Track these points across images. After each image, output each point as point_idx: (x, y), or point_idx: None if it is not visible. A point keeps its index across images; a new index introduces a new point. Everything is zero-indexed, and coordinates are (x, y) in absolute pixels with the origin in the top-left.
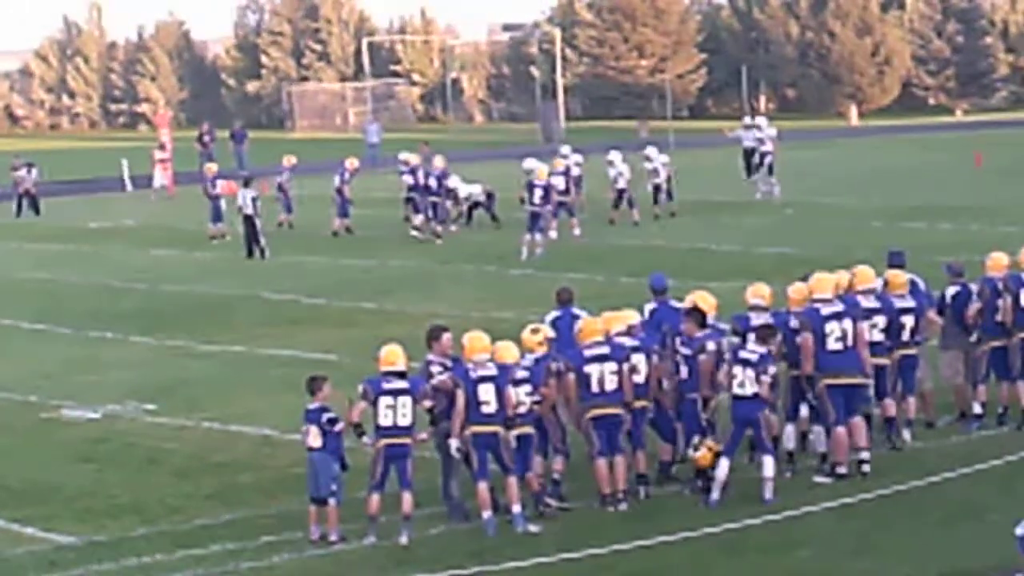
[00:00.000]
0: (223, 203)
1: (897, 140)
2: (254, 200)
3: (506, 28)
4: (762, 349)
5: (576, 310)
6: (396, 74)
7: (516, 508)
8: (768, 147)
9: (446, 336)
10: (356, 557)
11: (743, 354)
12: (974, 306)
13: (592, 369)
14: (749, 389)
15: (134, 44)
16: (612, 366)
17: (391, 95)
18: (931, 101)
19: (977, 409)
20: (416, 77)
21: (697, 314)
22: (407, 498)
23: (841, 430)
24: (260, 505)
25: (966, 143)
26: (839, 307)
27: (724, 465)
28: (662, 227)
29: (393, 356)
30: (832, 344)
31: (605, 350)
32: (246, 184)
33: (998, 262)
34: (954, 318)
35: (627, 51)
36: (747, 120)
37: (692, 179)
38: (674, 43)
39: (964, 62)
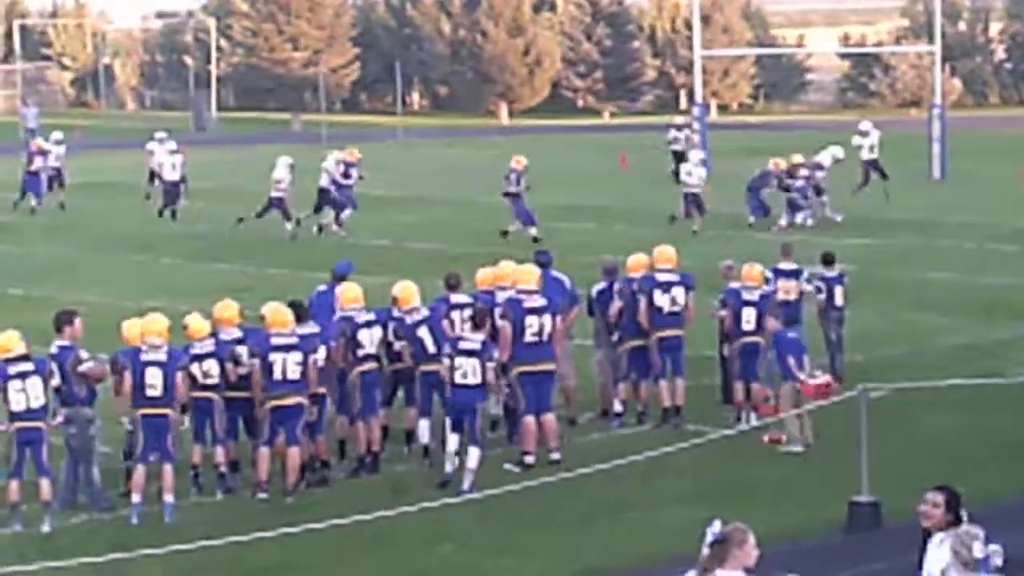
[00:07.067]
0: None
1: (546, 140)
2: None
3: (160, 15)
4: (481, 337)
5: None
6: (47, 58)
7: (168, 498)
8: None
9: (78, 320)
10: None
11: (463, 344)
12: (615, 306)
13: (276, 357)
14: (471, 379)
15: None
16: (297, 356)
17: (42, 79)
18: (580, 103)
19: (617, 407)
20: (67, 61)
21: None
22: (44, 484)
23: (529, 419)
24: None
25: (613, 145)
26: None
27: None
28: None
29: (10, 343)
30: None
31: (293, 340)
32: None
33: (638, 263)
34: (601, 316)
35: (282, 43)
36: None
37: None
38: (328, 36)
39: (612, 65)
